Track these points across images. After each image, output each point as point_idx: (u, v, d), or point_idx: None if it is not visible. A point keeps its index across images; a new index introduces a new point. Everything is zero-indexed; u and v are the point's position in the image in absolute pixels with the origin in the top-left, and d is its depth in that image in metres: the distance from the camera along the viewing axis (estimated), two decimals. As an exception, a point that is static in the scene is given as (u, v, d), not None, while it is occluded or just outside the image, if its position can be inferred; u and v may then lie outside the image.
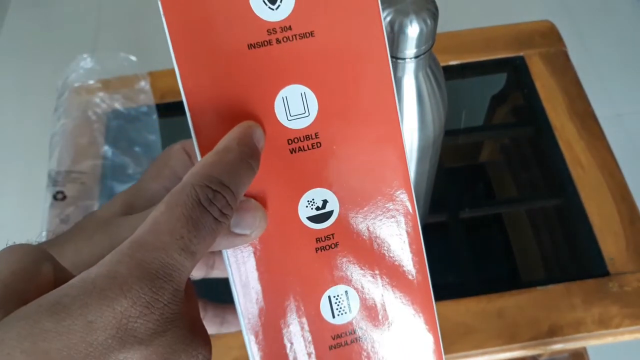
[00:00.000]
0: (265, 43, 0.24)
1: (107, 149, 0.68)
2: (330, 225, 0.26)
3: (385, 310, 0.27)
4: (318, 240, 0.26)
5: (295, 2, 0.24)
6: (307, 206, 0.26)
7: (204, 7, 0.23)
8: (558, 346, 0.54)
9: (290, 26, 0.24)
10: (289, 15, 0.24)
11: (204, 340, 0.21)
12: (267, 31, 0.24)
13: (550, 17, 0.79)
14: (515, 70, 0.73)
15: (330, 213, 0.26)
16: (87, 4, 1.73)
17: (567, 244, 0.64)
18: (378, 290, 0.27)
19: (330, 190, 0.26)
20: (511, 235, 0.71)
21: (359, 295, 0.27)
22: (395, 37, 0.40)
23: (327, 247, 0.26)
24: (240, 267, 0.25)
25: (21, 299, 0.19)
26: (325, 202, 0.26)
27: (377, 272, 0.27)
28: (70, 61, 0.74)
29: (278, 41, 0.24)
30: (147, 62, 0.75)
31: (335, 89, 0.25)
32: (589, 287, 0.56)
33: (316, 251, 0.26)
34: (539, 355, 0.64)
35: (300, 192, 0.26)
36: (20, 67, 1.61)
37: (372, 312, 0.27)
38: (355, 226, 0.26)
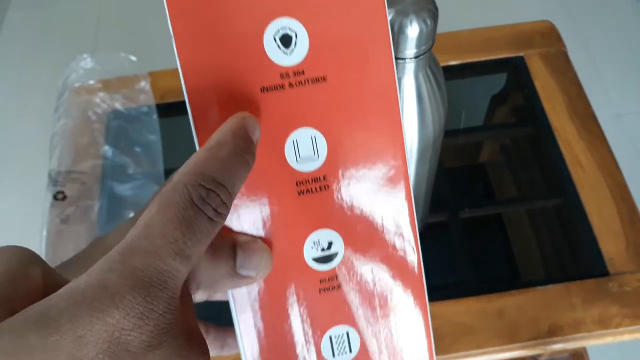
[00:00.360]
0: (278, 87, 0.24)
1: (107, 149, 0.68)
2: (335, 267, 0.26)
3: (385, 352, 0.27)
4: (322, 281, 0.26)
5: (309, 47, 0.24)
6: (312, 247, 0.26)
7: (219, 50, 0.23)
8: (558, 346, 0.54)
9: (303, 70, 0.24)
10: (302, 60, 0.24)
11: (200, 349, 0.20)
12: (280, 75, 0.24)
13: (550, 17, 0.79)
14: (515, 71, 0.73)
15: (335, 255, 0.26)
16: (87, 4, 1.73)
17: (567, 244, 0.64)
18: (379, 332, 0.27)
19: (336, 232, 0.26)
20: (511, 235, 0.71)
21: (359, 336, 0.27)
22: (395, 37, 0.40)
23: (331, 288, 0.26)
24: (244, 305, 0.26)
25: (8, 306, 0.18)
26: (330, 243, 0.26)
27: (378, 314, 0.27)
28: (70, 61, 0.74)
29: (291, 85, 0.24)
30: (147, 62, 0.75)
31: (345, 133, 0.25)
32: (589, 287, 0.56)
33: (319, 292, 0.26)
34: (539, 355, 0.64)
35: (306, 233, 0.26)
36: (20, 67, 1.61)
37: (372, 354, 0.27)
38: (358, 269, 0.26)
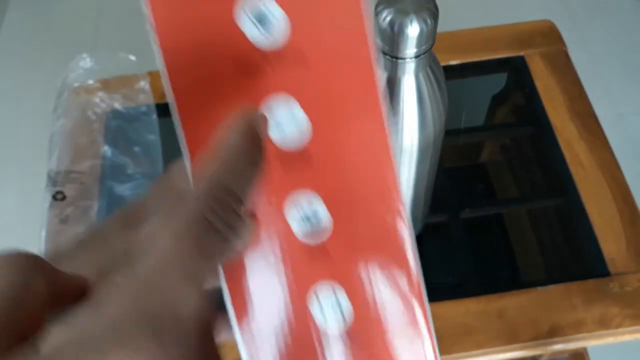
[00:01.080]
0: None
1: (106, 149, 0.68)
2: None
3: None
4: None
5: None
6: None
7: (197, 31, 0.23)
8: (558, 346, 0.54)
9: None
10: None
11: None
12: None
13: (550, 16, 0.79)
14: (516, 70, 0.73)
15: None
16: (87, 4, 1.73)
17: (567, 244, 0.64)
18: None
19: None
20: (511, 235, 0.71)
21: None
22: (395, 37, 0.40)
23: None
24: None
25: (14, 331, 0.17)
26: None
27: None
28: (69, 61, 0.74)
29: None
30: (146, 62, 0.75)
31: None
32: (590, 288, 0.56)
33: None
34: (540, 356, 0.64)
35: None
36: (19, 67, 1.61)
37: None
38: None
